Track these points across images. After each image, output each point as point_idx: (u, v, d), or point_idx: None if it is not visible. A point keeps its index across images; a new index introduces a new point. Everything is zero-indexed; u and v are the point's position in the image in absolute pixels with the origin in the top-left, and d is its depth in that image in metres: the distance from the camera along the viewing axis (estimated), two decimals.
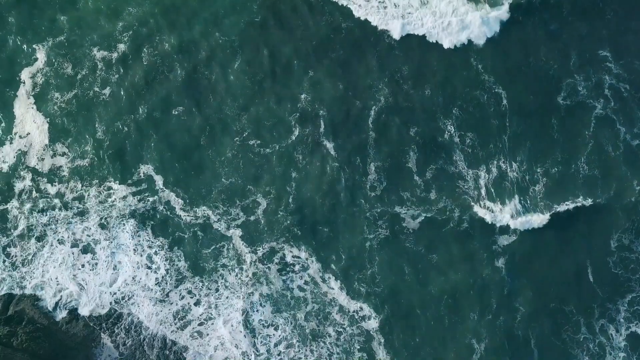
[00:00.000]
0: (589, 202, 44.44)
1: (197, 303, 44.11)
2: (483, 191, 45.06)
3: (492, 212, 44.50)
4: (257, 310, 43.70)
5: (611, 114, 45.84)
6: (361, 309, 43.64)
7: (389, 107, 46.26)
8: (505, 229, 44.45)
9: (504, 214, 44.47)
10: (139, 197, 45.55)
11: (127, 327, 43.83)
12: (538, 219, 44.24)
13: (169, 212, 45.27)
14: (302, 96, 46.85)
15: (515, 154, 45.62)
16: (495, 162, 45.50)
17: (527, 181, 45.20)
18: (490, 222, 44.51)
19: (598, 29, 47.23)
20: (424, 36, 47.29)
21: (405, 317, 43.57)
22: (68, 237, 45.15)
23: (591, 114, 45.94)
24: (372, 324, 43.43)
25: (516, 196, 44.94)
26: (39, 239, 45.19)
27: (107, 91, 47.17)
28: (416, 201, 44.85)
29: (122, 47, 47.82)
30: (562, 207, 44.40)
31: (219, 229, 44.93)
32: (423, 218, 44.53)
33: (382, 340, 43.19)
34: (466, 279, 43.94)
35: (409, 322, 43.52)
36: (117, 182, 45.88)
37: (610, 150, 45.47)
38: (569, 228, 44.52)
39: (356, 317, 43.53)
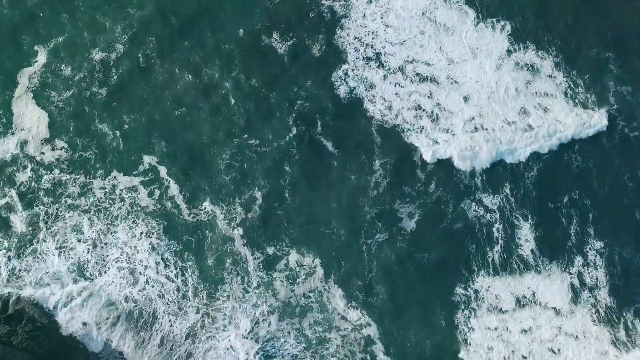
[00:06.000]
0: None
1: (199, 311, 44.08)
2: (478, 180, 45.20)
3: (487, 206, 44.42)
4: (264, 320, 43.61)
5: None
6: (362, 314, 43.44)
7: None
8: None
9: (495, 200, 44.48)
10: (147, 190, 45.90)
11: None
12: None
13: (172, 213, 45.65)
14: (302, 93, 47.41)
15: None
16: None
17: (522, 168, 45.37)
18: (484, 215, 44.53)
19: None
20: None
21: (404, 320, 43.39)
22: (71, 236, 45.51)
23: None
24: (373, 329, 43.15)
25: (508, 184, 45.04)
26: (40, 237, 45.57)
27: (104, 90, 48.06)
28: (415, 195, 44.91)
29: (120, 47, 48.72)
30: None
31: (221, 232, 45.05)
32: (420, 217, 44.43)
33: (382, 346, 42.91)
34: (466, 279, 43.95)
35: (408, 325, 43.28)
36: (122, 173, 46.32)
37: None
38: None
39: (358, 323, 43.35)
